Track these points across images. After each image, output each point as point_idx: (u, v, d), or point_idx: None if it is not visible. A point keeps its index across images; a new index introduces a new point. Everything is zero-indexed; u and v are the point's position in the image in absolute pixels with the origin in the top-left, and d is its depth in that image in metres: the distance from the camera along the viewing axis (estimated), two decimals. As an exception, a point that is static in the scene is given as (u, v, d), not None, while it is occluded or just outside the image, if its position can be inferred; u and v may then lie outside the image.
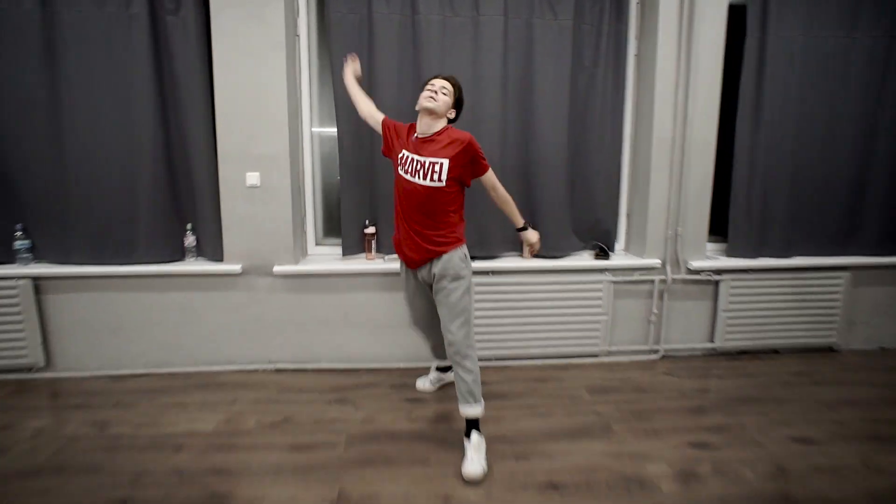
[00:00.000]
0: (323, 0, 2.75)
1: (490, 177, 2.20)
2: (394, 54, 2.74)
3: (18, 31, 2.52)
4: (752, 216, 3.11)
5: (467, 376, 2.04)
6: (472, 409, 2.06)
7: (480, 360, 2.94)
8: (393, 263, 2.84)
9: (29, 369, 2.77)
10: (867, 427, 2.35)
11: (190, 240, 2.85)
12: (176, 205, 2.81)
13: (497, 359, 3.00)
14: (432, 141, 2.06)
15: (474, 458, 1.97)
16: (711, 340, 3.19)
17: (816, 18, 2.94)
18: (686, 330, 3.16)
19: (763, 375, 2.91)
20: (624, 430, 2.30)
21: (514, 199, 2.30)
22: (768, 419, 2.41)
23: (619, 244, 3.22)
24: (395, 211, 2.21)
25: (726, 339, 3.16)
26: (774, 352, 3.25)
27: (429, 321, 2.39)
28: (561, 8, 2.79)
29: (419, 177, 2.03)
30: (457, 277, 2.08)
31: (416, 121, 2.17)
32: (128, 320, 2.80)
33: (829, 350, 3.29)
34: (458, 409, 2.11)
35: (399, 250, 2.23)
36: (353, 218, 2.89)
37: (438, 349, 2.51)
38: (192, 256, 2.87)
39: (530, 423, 2.35)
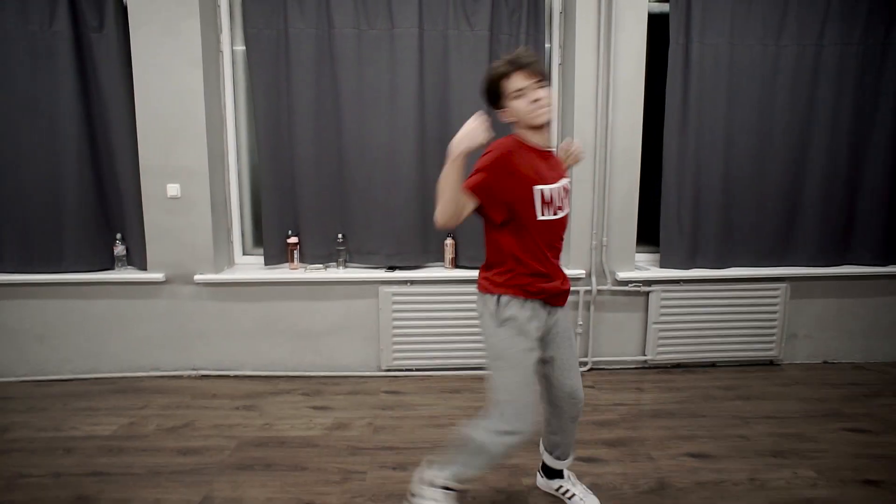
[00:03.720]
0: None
1: None
2: (311, 68, 2.80)
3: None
4: (684, 226, 3.06)
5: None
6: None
7: (398, 370, 2.97)
8: (316, 273, 2.88)
9: (-40, 373, 2.87)
10: (771, 442, 2.27)
11: (119, 249, 2.93)
12: (104, 215, 2.90)
13: (417, 369, 2.99)
14: (554, 159, 1.65)
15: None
16: (643, 353, 3.13)
17: (741, 26, 2.91)
18: (617, 342, 3.11)
19: (690, 389, 2.85)
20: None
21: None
22: (667, 428, 2.36)
23: (549, 254, 3.20)
24: (527, 253, 1.56)
25: (658, 353, 3.10)
26: (712, 365, 3.18)
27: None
28: (476, 19, 2.81)
29: (565, 206, 1.62)
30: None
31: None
32: (54, 327, 2.89)
33: (770, 364, 3.20)
34: None
35: (549, 289, 1.60)
36: (275, 228, 2.94)
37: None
38: (122, 265, 2.95)
39: (423, 433, 2.34)
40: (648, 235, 3.18)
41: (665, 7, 2.95)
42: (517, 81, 1.50)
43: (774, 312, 3.12)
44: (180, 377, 2.93)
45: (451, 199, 1.43)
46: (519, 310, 1.55)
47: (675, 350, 3.11)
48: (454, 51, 2.83)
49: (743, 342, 3.14)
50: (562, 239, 1.66)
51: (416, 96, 2.83)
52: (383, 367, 2.98)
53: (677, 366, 3.15)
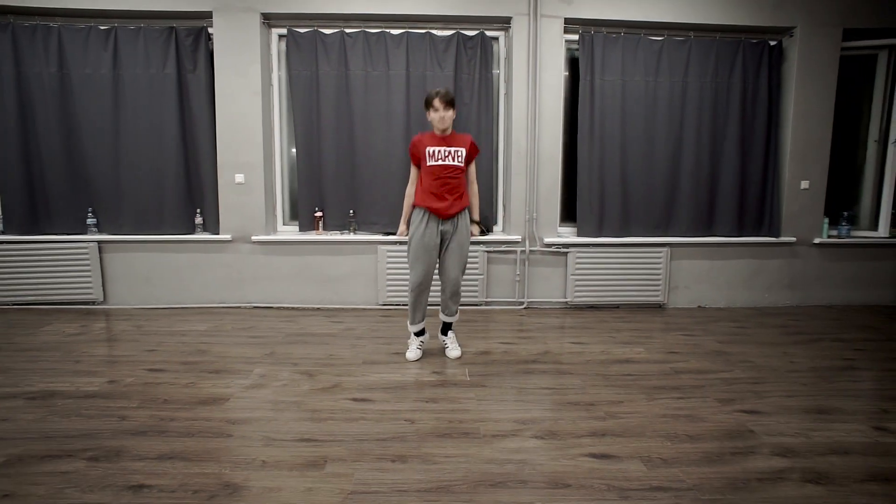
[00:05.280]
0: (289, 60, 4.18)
1: (473, 170, 3.10)
2: (333, 97, 4.14)
3: (99, 85, 4.02)
4: (593, 206, 4.35)
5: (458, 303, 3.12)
6: (455, 317, 3.15)
7: (392, 306, 4.26)
8: (334, 236, 4.20)
9: (92, 303, 4.20)
10: (627, 338, 3.54)
11: (198, 220, 4.26)
12: (190, 196, 4.24)
13: (403, 305, 4.28)
14: (452, 138, 2.94)
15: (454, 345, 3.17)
16: (565, 297, 4.40)
17: (629, 67, 4.22)
18: (545, 288, 4.39)
19: (593, 318, 4.11)
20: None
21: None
22: (565, 334, 3.63)
23: (499, 227, 4.50)
24: (424, 189, 2.93)
25: (576, 296, 4.37)
26: (617, 307, 4.44)
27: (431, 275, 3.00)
28: (445, 63, 4.15)
29: (450, 159, 2.88)
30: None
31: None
32: (155, 272, 4.22)
33: (658, 307, 4.46)
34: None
35: (431, 206, 2.89)
36: (307, 205, 4.26)
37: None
38: (200, 231, 4.28)
39: (403, 331, 3.63)
40: (571, 214, 4.47)
41: (577, 53, 4.27)
42: (435, 104, 2.86)
43: (660, 269, 4.39)
44: (240, 307, 4.25)
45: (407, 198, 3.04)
46: (419, 214, 2.95)
47: (589, 295, 4.38)
48: (430, 85, 4.15)
49: (638, 290, 4.40)
50: (453, 179, 2.91)
51: (405, 117, 4.16)
52: (380, 303, 4.29)
53: (591, 307, 4.42)
